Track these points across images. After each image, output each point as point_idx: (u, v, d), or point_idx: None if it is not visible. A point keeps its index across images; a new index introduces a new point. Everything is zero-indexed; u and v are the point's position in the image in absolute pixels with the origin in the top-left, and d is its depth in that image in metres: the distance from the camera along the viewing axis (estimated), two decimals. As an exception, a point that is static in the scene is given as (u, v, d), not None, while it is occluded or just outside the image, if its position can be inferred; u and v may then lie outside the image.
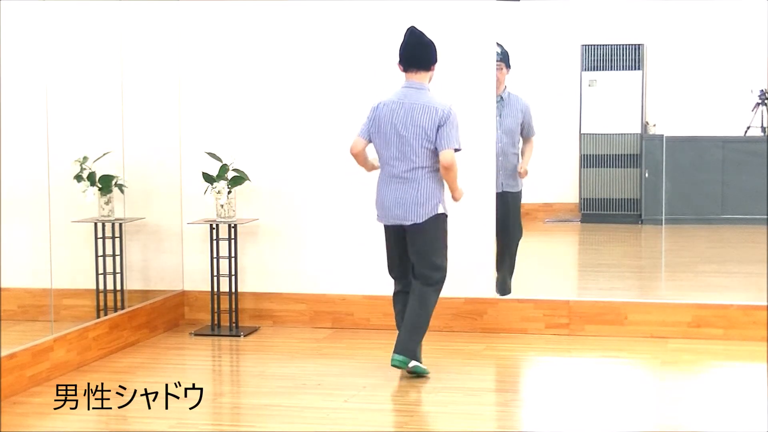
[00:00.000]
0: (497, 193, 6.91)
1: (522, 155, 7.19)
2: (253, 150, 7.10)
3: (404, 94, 5.83)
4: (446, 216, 5.89)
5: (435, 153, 5.76)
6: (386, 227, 5.93)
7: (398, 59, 5.87)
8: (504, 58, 7.08)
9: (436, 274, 5.84)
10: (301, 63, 7.04)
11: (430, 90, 5.87)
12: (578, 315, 6.76)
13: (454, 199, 5.93)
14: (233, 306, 6.95)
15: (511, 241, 7.16)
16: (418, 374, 5.77)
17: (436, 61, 5.90)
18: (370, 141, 5.92)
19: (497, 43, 7.00)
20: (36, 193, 6.15)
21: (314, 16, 7.00)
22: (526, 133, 7.16)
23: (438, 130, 5.72)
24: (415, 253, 5.85)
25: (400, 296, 5.99)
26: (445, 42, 6.78)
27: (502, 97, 7.02)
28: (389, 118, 5.80)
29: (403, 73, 5.86)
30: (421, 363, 5.78)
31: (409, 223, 5.79)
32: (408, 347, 5.73)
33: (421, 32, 5.89)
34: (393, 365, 5.72)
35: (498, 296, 6.86)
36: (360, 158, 5.99)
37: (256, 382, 5.88)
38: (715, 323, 6.62)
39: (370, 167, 6.09)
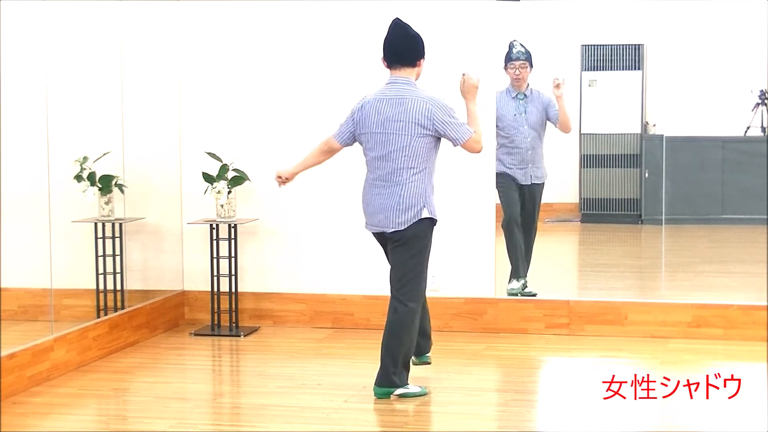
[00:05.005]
0: (526, 186, 7.18)
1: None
2: (253, 150, 7.10)
3: (388, 89, 5.30)
4: (433, 222, 5.31)
5: (428, 148, 5.24)
6: (374, 235, 5.44)
7: (382, 54, 5.35)
8: (528, 57, 7.33)
9: (411, 303, 5.26)
10: (301, 63, 7.04)
11: (417, 86, 5.32)
12: (578, 315, 6.76)
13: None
14: (233, 306, 6.95)
15: (533, 235, 7.27)
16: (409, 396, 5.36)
17: (423, 56, 5.33)
18: (347, 144, 5.46)
19: (520, 43, 7.27)
20: (36, 193, 6.15)
21: (314, 17, 7.00)
22: (553, 121, 7.31)
23: (442, 126, 5.21)
24: (394, 266, 5.32)
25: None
26: (445, 42, 6.79)
27: (525, 95, 7.24)
28: (373, 116, 5.28)
29: (388, 70, 5.35)
30: (408, 387, 5.34)
31: (390, 230, 5.26)
32: (386, 376, 5.31)
33: (406, 24, 5.36)
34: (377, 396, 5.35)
35: (497, 296, 6.85)
36: (316, 153, 5.55)
37: (256, 382, 5.88)
38: (715, 323, 6.62)
39: (313, 162, 5.59)
